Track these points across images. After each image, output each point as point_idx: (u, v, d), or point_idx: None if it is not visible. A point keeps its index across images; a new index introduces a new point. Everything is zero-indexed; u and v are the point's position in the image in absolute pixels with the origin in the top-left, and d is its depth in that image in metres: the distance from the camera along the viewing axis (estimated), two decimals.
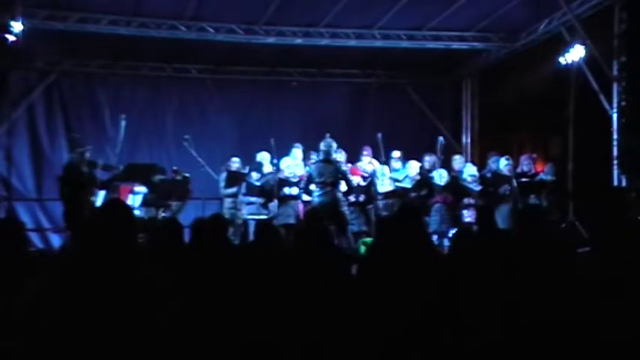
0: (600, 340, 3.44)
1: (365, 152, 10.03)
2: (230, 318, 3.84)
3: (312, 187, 8.85)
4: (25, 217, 10.30)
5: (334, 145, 8.86)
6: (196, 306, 3.59)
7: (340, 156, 9.47)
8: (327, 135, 9.01)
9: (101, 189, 8.69)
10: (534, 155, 10.10)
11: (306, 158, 10.09)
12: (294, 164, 9.63)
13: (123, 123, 9.17)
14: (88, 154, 8.70)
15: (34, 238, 10.53)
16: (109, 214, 2.47)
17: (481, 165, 10.65)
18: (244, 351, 3.76)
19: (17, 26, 8.85)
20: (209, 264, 4.24)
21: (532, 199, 9.13)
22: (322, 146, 8.81)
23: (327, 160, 8.72)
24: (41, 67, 11.58)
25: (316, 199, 8.63)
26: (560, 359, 3.49)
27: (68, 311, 2.24)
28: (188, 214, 8.24)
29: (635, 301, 3.55)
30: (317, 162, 8.92)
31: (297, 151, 9.97)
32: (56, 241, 10.42)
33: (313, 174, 8.76)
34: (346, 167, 9.25)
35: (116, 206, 2.62)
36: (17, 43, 8.91)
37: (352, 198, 9.23)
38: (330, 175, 8.64)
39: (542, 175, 9.46)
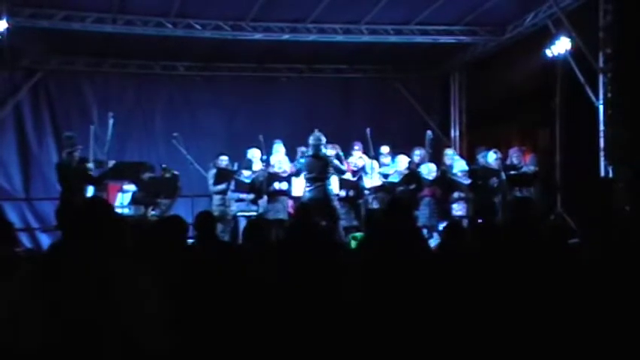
0: (596, 333, 3.47)
1: (356, 147, 10.06)
2: (222, 315, 3.84)
3: (302, 181, 8.86)
4: (13, 217, 10.25)
5: (323, 139, 8.83)
6: (188, 304, 3.59)
7: (330, 150, 9.46)
8: (316, 130, 9.02)
9: (91, 184, 8.64)
10: (523, 148, 10.14)
11: (292, 153, 10.10)
12: (283, 160, 9.66)
13: (111, 121, 9.13)
14: (77, 154, 8.64)
15: (23, 237, 10.47)
16: (87, 212, 2.46)
17: (469, 158, 10.69)
18: (235, 348, 3.76)
19: (1, 24, 8.79)
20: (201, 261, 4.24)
21: (521, 192, 9.17)
22: (311, 140, 8.79)
23: (317, 155, 8.71)
24: (27, 65, 11.49)
25: (307, 195, 8.64)
26: (556, 351, 3.52)
27: (49, 310, 2.24)
28: (177, 212, 8.21)
29: (624, 291, 3.59)
30: (306, 157, 8.90)
31: (279, 146, 9.97)
32: (45, 240, 10.37)
33: (302, 169, 8.76)
34: (336, 160, 9.16)
35: (95, 204, 2.61)
36: (1, 42, 8.85)
37: (342, 193, 9.26)
38: (319, 170, 8.64)
39: (525, 167, 9.50)
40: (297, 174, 9.01)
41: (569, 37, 9.44)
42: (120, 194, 9.33)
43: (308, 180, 8.68)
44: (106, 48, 11.23)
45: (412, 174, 9.47)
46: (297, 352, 3.86)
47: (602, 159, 9.00)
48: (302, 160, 8.98)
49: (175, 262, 4.01)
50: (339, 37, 10.79)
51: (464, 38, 11.18)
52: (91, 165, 8.66)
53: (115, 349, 2.26)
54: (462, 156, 11.07)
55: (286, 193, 9.39)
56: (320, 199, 8.50)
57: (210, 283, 3.95)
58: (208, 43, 10.87)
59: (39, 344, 2.20)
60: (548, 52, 9.91)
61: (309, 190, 8.63)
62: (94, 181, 8.64)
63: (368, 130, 9.60)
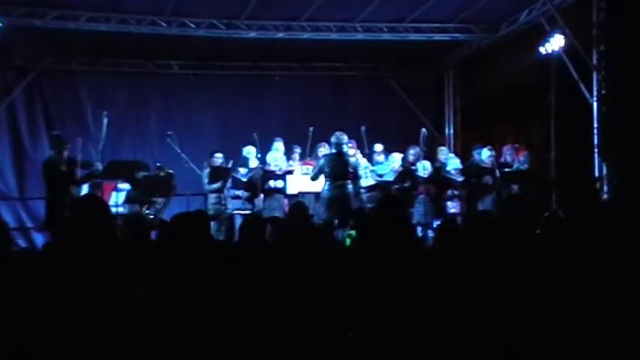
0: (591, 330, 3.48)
1: (350, 145, 10.03)
2: (215, 314, 3.84)
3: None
4: (7, 217, 10.23)
5: (345, 138, 8.75)
6: (182, 303, 3.59)
7: (350, 146, 9.37)
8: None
9: (79, 185, 8.59)
10: (517, 145, 10.16)
11: (288, 152, 10.10)
12: (280, 157, 9.64)
13: (105, 120, 9.11)
14: (66, 153, 8.56)
15: (17, 237, 10.45)
16: (82, 209, 2.46)
17: (464, 156, 10.70)
18: (232, 347, 3.77)
19: None
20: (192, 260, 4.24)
21: (514, 189, 9.20)
22: (333, 139, 8.69)
23: (339, 153, 8.64)
24: (21, 65, 11.48)
25: (325, 193, 8.56)
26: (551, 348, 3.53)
27: (50, 308, 2.24)
28: (172, 211, 8.20)
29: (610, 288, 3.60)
30: (329, 155, 8.79)
31: (279, 145, 9.97)
32: (39, 239, 10.36)
33: (324, 167, 8.68)
34: (356, 160, 9.10)
35: (89, 202, 2.61)
36: None
37: None
38: (341, 169, 8.57)
39: (517, 165, 9.52)
40: (318, 174, 8.73)
41: (563, 34, 9.46)
42: (114, 193, 9.31)
43: (329, 177, 8.53)
44: (100, 47, 11.21)
45: (406, 172, 9.48)
46: (293, 351, 3.87)
47: (596, 156, 9.03)
48: (323, 159, 8.80)
49: (172, 261, 4.01)
50: (334, 35, 10.79)
51: (458, 36, 11.19)
52: (79, 160, 8.52)
53: (112, 345, 2.26)
54: (456, 154, 11.09)
55: (281, 190, 9.39)
56: (338, 198, 8.42)
57: (205, 282, 3.94)
58: (202, 41, 10.86)
59: (37, 341, 2.20)
60: (542, 50, 9.92)
61: (329, 189, 8.50)
62: (78, 183, 8.55)
63: (362, 128, 9.60)
